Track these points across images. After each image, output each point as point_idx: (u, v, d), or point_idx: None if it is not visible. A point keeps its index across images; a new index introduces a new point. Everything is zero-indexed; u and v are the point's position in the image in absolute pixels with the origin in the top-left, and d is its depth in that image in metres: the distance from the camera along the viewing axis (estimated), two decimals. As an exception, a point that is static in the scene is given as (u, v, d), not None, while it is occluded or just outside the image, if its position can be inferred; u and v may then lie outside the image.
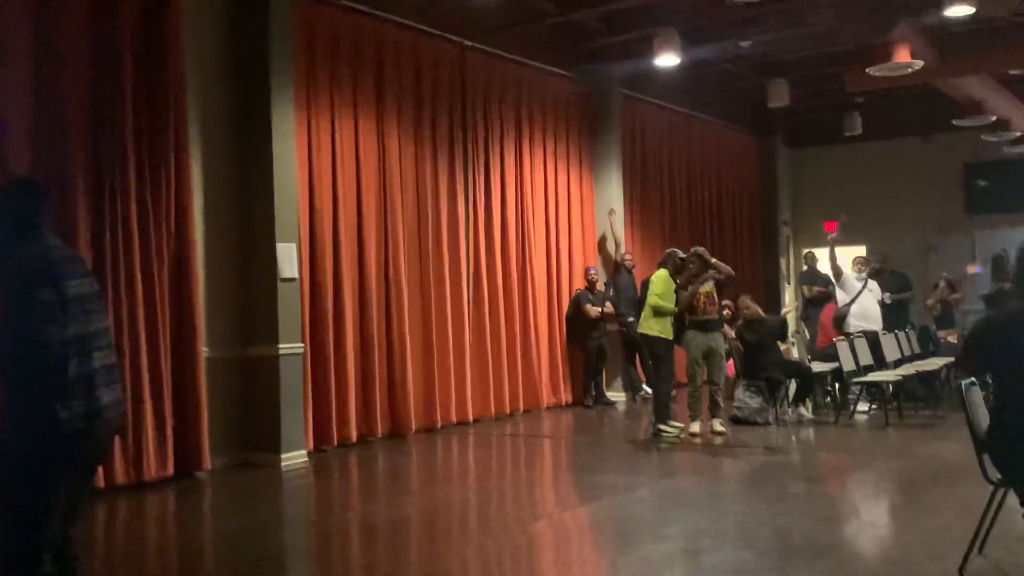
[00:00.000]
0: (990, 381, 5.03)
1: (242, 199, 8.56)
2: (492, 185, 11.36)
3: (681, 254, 9.93)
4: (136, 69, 7.63)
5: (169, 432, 7.70)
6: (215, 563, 5.85)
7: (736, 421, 10.13)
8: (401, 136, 10.11)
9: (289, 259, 8.51)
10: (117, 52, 7.50)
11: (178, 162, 7.91)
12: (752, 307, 10.83)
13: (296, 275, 8.61)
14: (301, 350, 8.64)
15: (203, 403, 7.96)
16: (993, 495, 4.67)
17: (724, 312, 11.01)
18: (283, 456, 8.29)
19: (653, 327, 9.60)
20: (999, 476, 4.52)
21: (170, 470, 7.69)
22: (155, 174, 7.75)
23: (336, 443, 9.11)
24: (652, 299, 9.63)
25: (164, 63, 7.80)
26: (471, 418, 10.76)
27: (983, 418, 4.67)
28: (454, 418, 10.56)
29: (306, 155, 9.00)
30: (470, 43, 10.99)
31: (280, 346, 8.35)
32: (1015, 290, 4.67)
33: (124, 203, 7.50)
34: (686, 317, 9.42)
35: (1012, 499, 4.78)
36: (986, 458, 4.56)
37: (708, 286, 9.38)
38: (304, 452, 8.55)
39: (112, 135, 7.44)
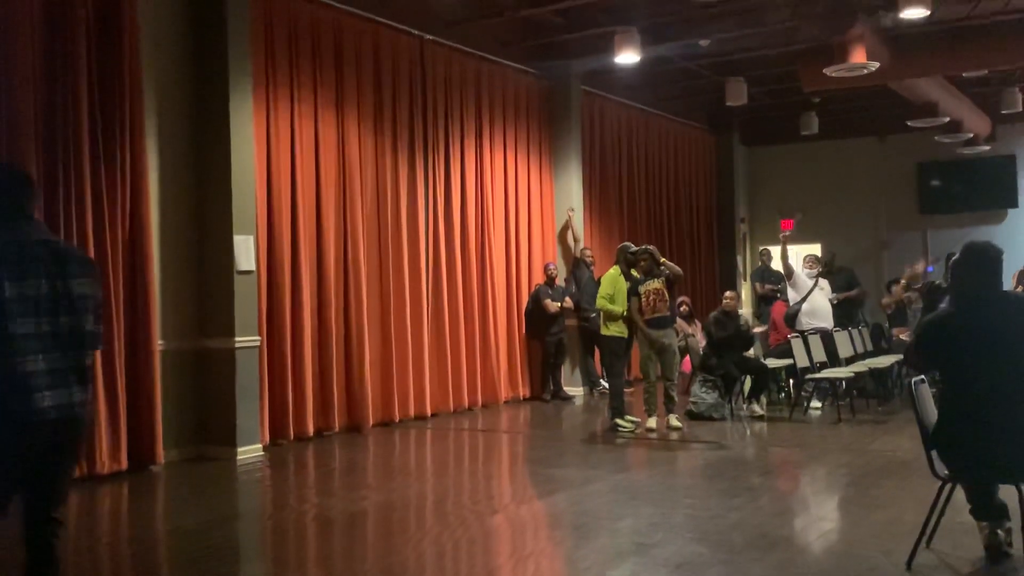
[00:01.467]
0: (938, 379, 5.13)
1: (199, 190, 8.47)
2: (452, 179, 11.35)
3: (633, 248, 10.07)
4: (91, 58, 7.52)
5: (123, 425, 7.61)
6: (169, 557, 5.80)
7: (692, 416, 10.24)
8: (361, 128, 10.06)
9: (246, 251, 8.44)
10: (71, 39, 7.38)
11: (133, 152, 7.81)
12: (733, 299, 11.01)
13: (253, 267, 8.54)
14: (257, 343, 8.58)
15: (157, 396, 7.88)
16: (940, 490, 4.77)
17: (681, 308, 11.15)
18: (239, 450, 8.23)
19: (609, 326, 9.75)
20: (946, 471, 4.62)
21: (123, 463, 7.61)
22: (109, 164, 7.65)
23: (293, 437, 9.07)
24: (600, 302, 9.89)
25: (119, 52, 7.69)
26: (429, 412, 10.75)
27: (932, 414, 4.77)
28: (412, 412, 10.54)
29: (264, 146, 8.93)
30: (430, 36, 10.96)
31: (236, 339, 8.28)
32: (954, 287, 4.76)
33: (78, 194, 7.39)
34: (637, 317, 9.50)
35: (959, 494, 4.89)
36: (934, 454, 4.66)
37: (657, 283, 9.46)
38: (260, 446, 8.50)
39: (65, 124, 7.33)
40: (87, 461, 7.34)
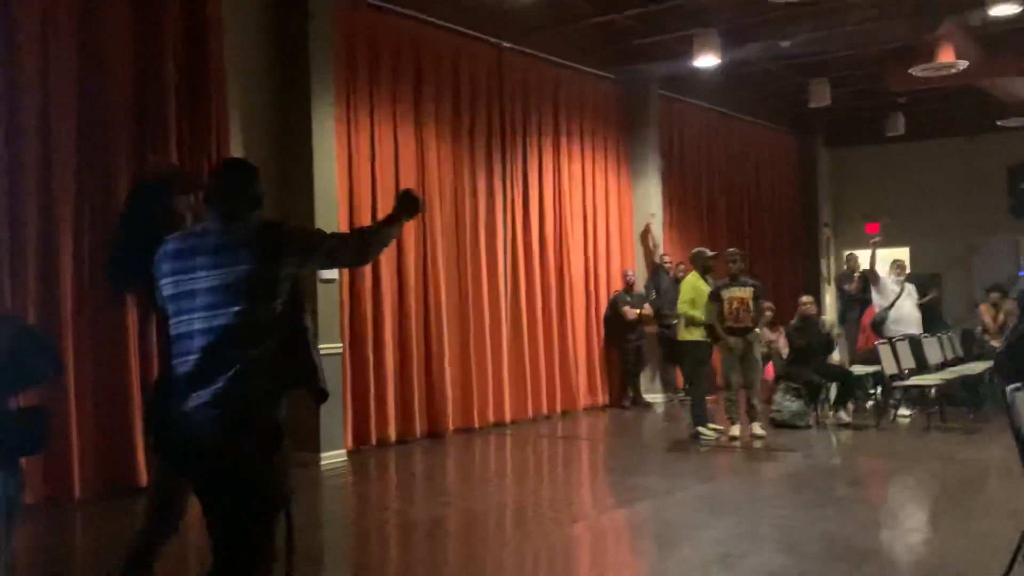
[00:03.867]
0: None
1: (282, 199, 8.59)
2: (530, 186, 11.36)
3: (709, 252, 10.02)
4: (177, 67, 7.71)
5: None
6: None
7: (775, 424, 10.05)
8: (439, 137, 10.14)
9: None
10: (159, 50, 7.59)
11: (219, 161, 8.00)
12: (811, 305, 10.79)
13: (336, 277, 8.66)
14: (340, 350, 8.70)
15: (243, 402, 8.02)
16: (1039, 502, 4.60)
17: (767, 314, 10.99)
18: (322, 455, 8.35)
19: (691, 331, 9.66)
20: (1045, 483, 4.44)
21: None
22: (195, 173, 7.83)
23: (375, 443, 9.16)
24: (681, 307, 9.80)
25: (205, 69, 7.88)
26: (508, 419, 10.76)
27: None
28: (491, 419, 10.57)
29: (345, 155, 9.06)
30: (508, 44, 11.00)
31: (319, 346, 8.38)
32: None
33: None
34: (717, 324, 9.38)
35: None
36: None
37: (744, 293, 9.32)
38: (343, 451, 8.61)
39: (154, 133, 7.53)
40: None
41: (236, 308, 3.22)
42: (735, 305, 9.30)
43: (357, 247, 3.60)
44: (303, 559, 5.56)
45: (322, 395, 3.55)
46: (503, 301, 10.87)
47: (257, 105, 8.50)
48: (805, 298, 11.00)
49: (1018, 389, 4.68)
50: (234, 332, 3.21)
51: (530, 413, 11.14)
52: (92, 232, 7.17)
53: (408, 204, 3.62)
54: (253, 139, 8.44)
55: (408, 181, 9.68)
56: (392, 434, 9.33)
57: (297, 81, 8.54)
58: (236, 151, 8.25)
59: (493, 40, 10.82)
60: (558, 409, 11.60)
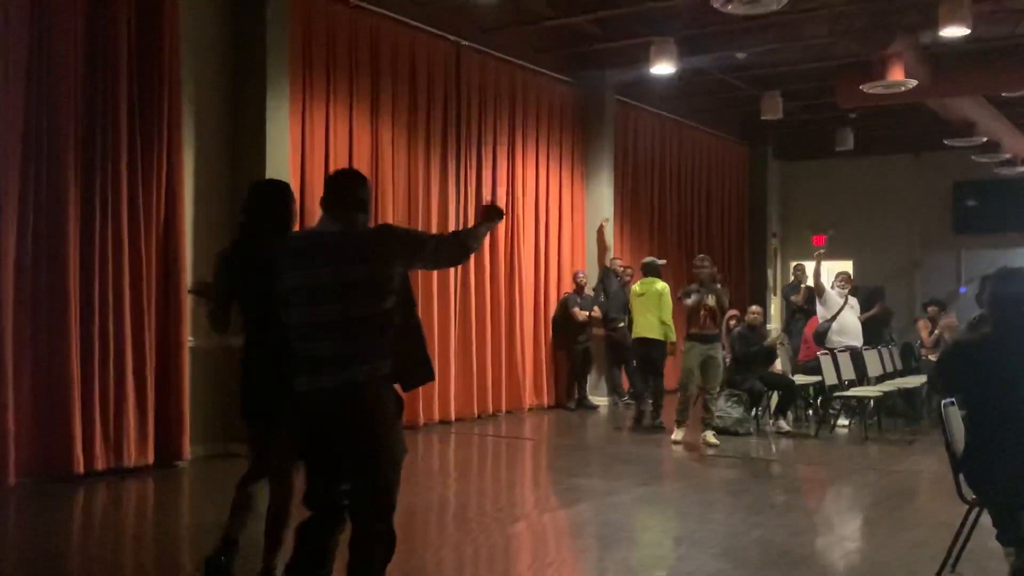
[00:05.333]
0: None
1: (234, 186, 8.52)
2: (483, 184, 11.37)
3: (659, 262, 10.69)
4: (130, 57, 7.61)
5: (151, 419, 7.69)
6: (191, 553, 5.84)
7: (717, 430, 10.16)
8: (395, 131, 10.11)
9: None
10: (112, 37, 7.48)
11: (170, 150, 7.90)
12: (759, 315, 11.01)
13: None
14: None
15: (186, 392, 7.95)
16: (967, 514, 4.71)
17: (730, 322, 11.19)
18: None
19: (657, 332, 10.44)
20: (974, 496, 4.56)
21: (150, 458, 7.68)
22: (145, 162, 7.74)
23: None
24: (667, 316, 10.51)
25: (158, 53, 7.79)
26: (453, 417, 10.76)
27: (960, 437, 4.72)
28: (436, 416, 10.56)
29: (299, 149, 9.00)
30: (466, 42, 11.00)
31: (267, 338, 8.31)
32: (987, 315, 4.72)
33: (115, 191, 7.48)
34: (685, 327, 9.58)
35: (986, 518, 4.83)
36: (961, 477, 4.61)
37: (712, 300, 9.41)
38: (285, 445, 8.52)
39: (103, 121, 7.43)
40: (114, 453, 7.42)
41: (356, 302, 3.68)
42: (702, 313, 9.37)
43: (458, 245, 3.98)
44: (244, 555, 5.52)
45: (430, 378, 4.06)
46: (452, 298, 10.86)
47: (210, 87, 8.43)
48: (754, 308, 11.21)
49: (951, 404, 4.80)
50: (357, 323, 3.69)
51: (475, 411, 11.16)
52: (36, 212, 7.04)
53: (493, 213, 4.08)
54: (205, 121, 8.38)
55: (362, 171, 9.59)
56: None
57: (252, 66, 8.49)
58: (187, 133, 8.17)
59: (452, 37, 10.81)
60: (503, 408, 11.62)
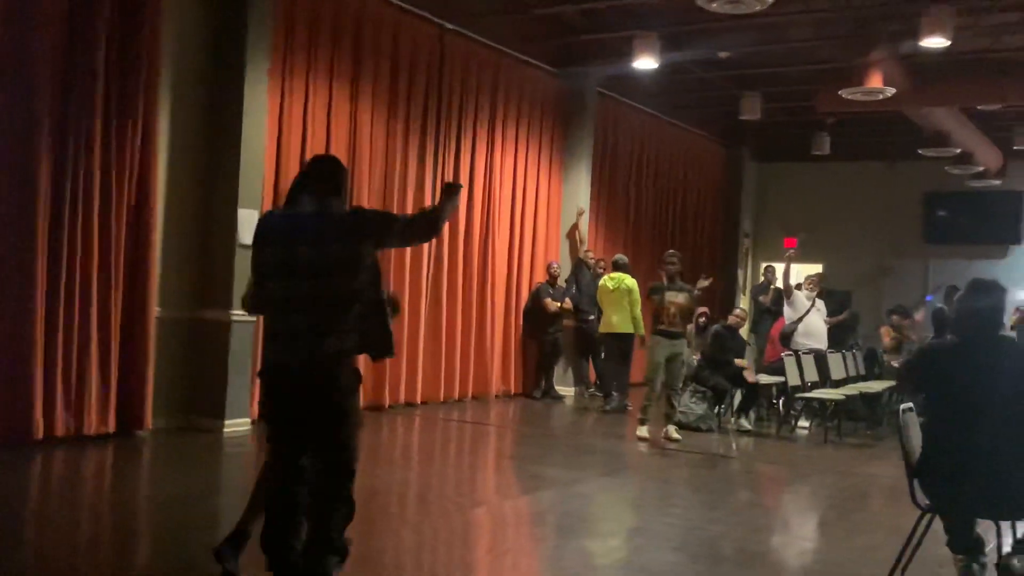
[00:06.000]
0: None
1: (208, 162, 8.47)
2: (461, 171, 11.35)
3: (624, 259, 11.24)
4: (111, 23, 7.51)
5: (113, 388, 7.63)
6: (148, 524, 5.82)
7: (680, 426, 10.24)
8: (374, 113, 10.06)
9: (250, 226, 8.40)
10: (94, 8, 7.38)
11: (146, 118, 7.81)
12: (741, 319, 11.17)
13: (256, 243, 8.53)
14: (254, 318, 8.58)
15: (150, 362, 7.90)
16: (920, 519, 4.78)
17: (700, 320, 11.31)
18: (226, 422, 8.25)
19: (627, 327, 10.82)
20: (927, 502, 4.64)
21: (111, 426, 7.62)
22: (121, 128, 7.65)
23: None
24: (637, 311, 10.98)
25: (139, 20, 7.69)
26: (419, 400, 10.76)
27: (917, 443, 4.79)
28: (402, 399, 10.56)
29: (276, 125, 8.94)
30: (451, 26, 10.96)
31: (233, 312, 8.29)
32: (955, 324, 4.80)
33: (87, 156, 7.39)
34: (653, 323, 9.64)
35: (939, 524, 4.91)
36: (916, 483, 4.68)
37: (681, 297, 9.43)
38: (248, 420, 8.51)
39: (81, 88, 7.32)
40: (75, 420, 7.37)
41: (330, 279, 3.95)
42: (672, 309, 9.39)
43: (426, 222, 4.26)
44: (200, 527, 5.51)
45: (391, 353, 4.29)
46: (424, 281, 10.85)
47: (189, 63, 8.32)
48: (738, 310, 11.42)
49: (909, 410, 4.87)
50: (329, 299, 3.95)
51: (442, 396, 11.17)
52: (6, 179, 6.96)
53: (451, 189, 4.27)
54: (184, 91, 8.27)
55: (340, 151, 9.58)
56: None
57: (232, 44, 8.39)
58: (164, 104, 8.08)
59: (437, 20, 10.76)
60: (470, 394, 11.65)
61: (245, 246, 8.31)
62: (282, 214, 4.29)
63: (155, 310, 7.98)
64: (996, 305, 4.58)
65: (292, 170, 9.09)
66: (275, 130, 8.93)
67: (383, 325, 4.18)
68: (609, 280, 11.59)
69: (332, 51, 9.51)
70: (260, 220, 4.34)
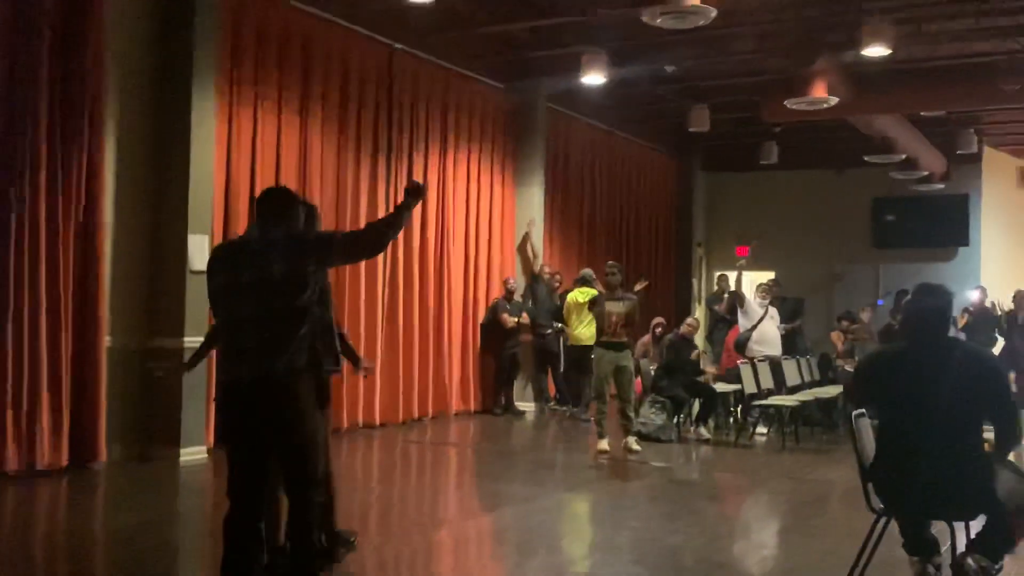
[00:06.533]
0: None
1: (156, 188, 8.38)
2: (413, 189, 11.31)
3: (591, 273, 11.14)
4: (53, 49, 7.42)
5: (65, 420, 7.49)
6: (104, 556, 5.72)
7: (640, 436, 10.28)
8: (324, 135, 10.03)
9: (200, 251, 8.36)
10: (35, 28, 7.29)
11: (91, 145, 7.71)
12: (694, 327, 11.25)
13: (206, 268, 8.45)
14: (208, 344, 8.49)
15: (102, 393, 7.78)
16: (875, 523, 4.85)
17: (657, 330, 11.38)
18: (182, 451, 8.14)
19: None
20: (881, 505, 4.70)
21: (64, 459, 7.48)
22: (67, 156, 7.54)
23: (238, 440, 8.96)
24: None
25: (83, 43, 7.61)
26: (378, 421, 10.69)
27: (870, 448, 4.85)
28: (360, 420, 10.49)
29: (224, 147, 8.87)
30: (400, 46, 10.97)
31: (186, 339, 8.19)
32: (902, 329, 4.87)
33: (33, 184, 7.28)
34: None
35: (894, 527, 4.98)
36: (871, 487, 4.74)
37: (622, 307, 9.47)
38: (204, 448, 8.41)
39: (25, 114, 7.22)
40: (27, 455, 7.22)
41: (274, 299, 4.14)
42: (613, 319, 9.42)
43: (373, 232, 4.41)
44: (158, 558, 5.43)
45: (338, 370, 4.77)
46: (380, 302, 10.80)
47: (134, 82, 8.24)
48: (690, 320, 11.51)
49: (861, 415, 4.94)
50: (275, 318, 4.15)
51: (400, 416, 11.10)
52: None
53: (413, 190, 4.39)
54: (128, 117, 8.19)
55: (290, 173, 9.55)
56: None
57: (178, 61, 8.33)
58: (110, 130, 7.99)
59: (385, 40, 10.77)
60: (429, 413, 11.60)
61: (196, 272, 8.26)
62: (230, 243, 4.72)
63: (106, 339, 7.87)
64: (942, 308, 4.65)
65: (242, 194, 9.05)
66: (224, 155, 8.86)
67: (330, 342, 4.52)
68: (580, 294, 11.64)
69: (280, 73, 9.47)
70: (212, 251, 4.62)
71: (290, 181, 9.54)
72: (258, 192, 9.03)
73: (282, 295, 4.16)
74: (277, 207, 4.39)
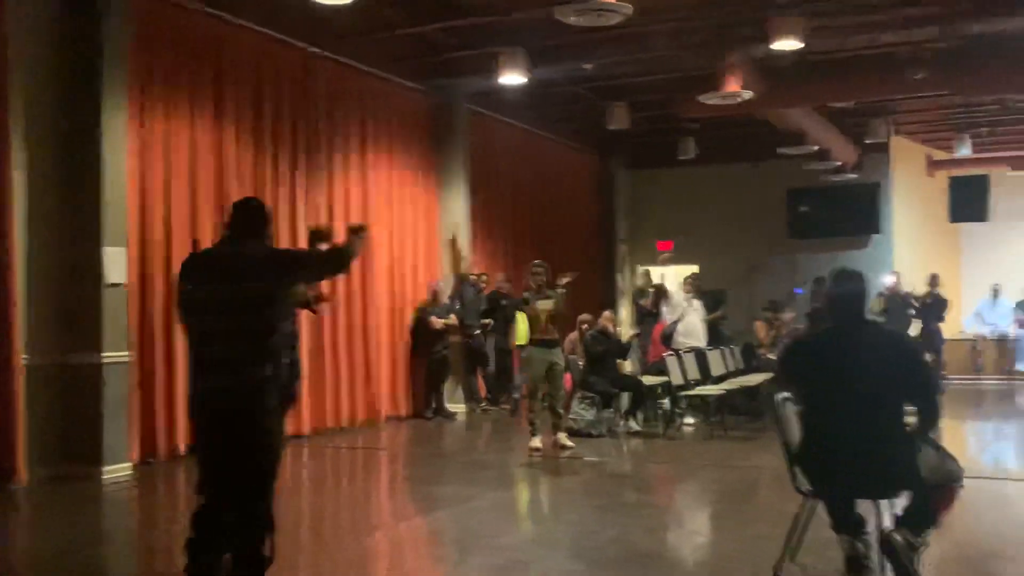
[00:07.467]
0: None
1: (68, 200, 8.13)
2: (335, 193, 11.22)
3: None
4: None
5: (-19, 442, 7.24)
6: (27, 582, 5.54)
7: (571, 432, 10.34)
8: (240, 141, 9.85)
9: (116, 263, 8.16)
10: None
11: (-1, 157, 7.47)
12: (611, 319, 11.32)
13: (124, 280, 8.26)
14: (127, 358, 8.29)
15: (19, 412, 7.52)
16: (803, 504, 4.95)
17: (583, 327, 11.46)
18: (105, 468, 7.92)
19: None
20: (808, 487, 4.80)
21: (-19, 482, 7.23)
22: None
23: (164, 455, 8.78)
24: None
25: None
26: (307, 430, 10.54)
27: (795, 432, 4.95)
28: (288, 430, 10.32)
29: (137, 155, 8.66)
30: (315, 50, 10.85)
31: (104, 354, 7.99)
32: (826, 313, 4.99)
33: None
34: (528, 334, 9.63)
35: (822, 508, 5.09)
36: (797, 469, 4.84)
37: (550, 304, 9.51)
38: (128, 464, 8.20)
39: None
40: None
41: (246, 314, 4.27)
42: (543, 318, 9.47)
43: (338, 258, 4.62)
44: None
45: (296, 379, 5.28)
46: (303, 311, 10.63)
47: (43, 93, 7.99)
48: (607, 313, 11.57)
49: (786, 400, 5.04)
50: (246, 332, 4.27)
51: (330, 424, 10.98)
52: None
53: (355, 231, 4.62)
54: (38, 124, 7.92)
55: (206, 184, 9.36)
56: (182, 446, 8.95)
57: (89, 75, 8.09)
58: (17, 137, 7.72)
59: (300, 44, 10.64)
60: (360, 420, 11.48)
61: (112, 285, 8.06)
62: (203, 254, 4.81)
63: (21, 357, 7.61)
64: (857, 292, 4.78)
65: (157, 204, 8.85)
66: (137, 163, 8.65)
67: (293, 356, 4.95)
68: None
69: (193, 80, 9.28)
70: (183, 261, 4.65)
71: (206, 189, 9.38)
72: (174, 201, 8.96)
73: (253, 309, 4.28)
74: (252, 221, 4.50)
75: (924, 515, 4.53)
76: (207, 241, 9.28)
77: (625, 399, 11.07)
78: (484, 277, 13.16)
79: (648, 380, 11.44)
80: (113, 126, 8.18)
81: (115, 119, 8.21)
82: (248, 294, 4.28)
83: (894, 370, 4.53)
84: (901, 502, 4.65)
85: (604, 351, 10.90)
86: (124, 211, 8.33)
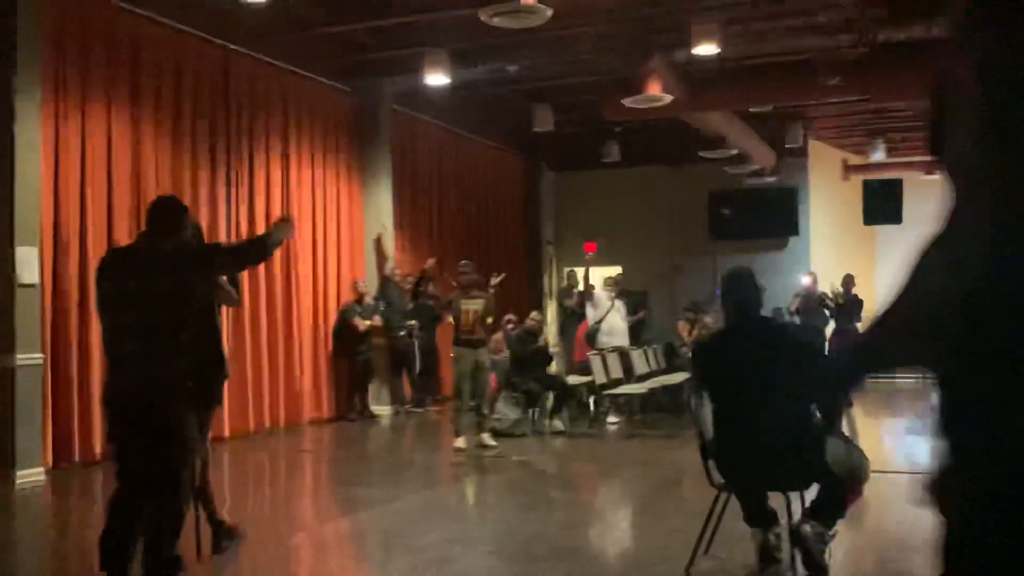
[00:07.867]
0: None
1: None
2: (256, 194, 11.10)
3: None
4: None
5: None
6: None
7: (496, 432, 10.40)
8: (158, 140, 9.69)
9: (28, 264, 7.96)
10: None
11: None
12: (538, 321, 11.40)
13: (37, 281, 8.06)
14: (40, 360, 8.09)
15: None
16: (716, 498, 5.07)
17: (509, 326, 11.50)
18: (18, 473, 7.72)
19: None
20: (721, 481, 4.93)
21: None
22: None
23: (79, 459, 8.59)
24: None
25: None
26: (227, 433, 10.40)
27: (709, 428, 5.08)
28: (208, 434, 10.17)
29: (52, 155, 8.46)
30: (235, 47, 10.72)
31: (17, 356, 7.79)
32: (724, 314, 5.13)
33: None
34: (454, 333, 9.65)
35: (735, 502, 5.22)
36: (712, 464, 4.96)
37: (476, 304, 9.56)
38: (41, 469, 8.00)
39: None
40: None
41: (159, 309, 4.35)
42: (470, 317, 9.50)
43: (257, 247, 4.78)
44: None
45: (224, 378, 5.19)
46: (224, 310, 10.49)
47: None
48: (534, 314, 11.67)
49: (701, 397, 5.17)
50: (159, 327, 4.35)
51: (251, 427, 10.84)
52: None
53: (281, 220, 4.88)
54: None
55: (122, 181, 9.19)
56: (98, 451, 8.76)
57: (-1, 72, 7.89)
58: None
59: (219, 41, 10.50)
60: (281, 423, 11.37)
61: (25, 285, 7.86)
62: (119, 251, 4.93)
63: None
64: (746, 290, 4.92)
65: (72, 203, 8.66)
66: (51, 161, 8.46)
67: (216, 350, 4.95)
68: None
69: (108, 77, 9.10)
70: (101, 258, 4.72)
71: (123, 188, 9.21)
72: (90, 201, 8.78)
73: (167, 305, 4.37)
74: (165, 217, 4.59)
75: (833, 506, 4.68)
76: (124, 241, 9.13)
77: (550, 398, 11.17)
78: (410, 278, 13.15)
79: (573, 380, 11.56)
80: (26, 124, 7.98)
81: (28, 118, 8.01)
82: (161, 289, 4.34)
83: (792, 364, 4.67)
84: (811, 495, 4.80)
85: (531, 352, 10.99)
86: (37, 211, 8.13)
